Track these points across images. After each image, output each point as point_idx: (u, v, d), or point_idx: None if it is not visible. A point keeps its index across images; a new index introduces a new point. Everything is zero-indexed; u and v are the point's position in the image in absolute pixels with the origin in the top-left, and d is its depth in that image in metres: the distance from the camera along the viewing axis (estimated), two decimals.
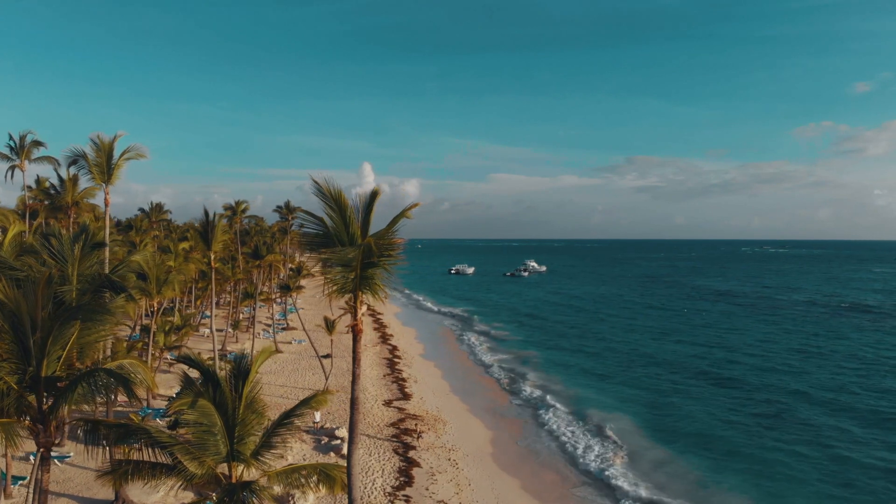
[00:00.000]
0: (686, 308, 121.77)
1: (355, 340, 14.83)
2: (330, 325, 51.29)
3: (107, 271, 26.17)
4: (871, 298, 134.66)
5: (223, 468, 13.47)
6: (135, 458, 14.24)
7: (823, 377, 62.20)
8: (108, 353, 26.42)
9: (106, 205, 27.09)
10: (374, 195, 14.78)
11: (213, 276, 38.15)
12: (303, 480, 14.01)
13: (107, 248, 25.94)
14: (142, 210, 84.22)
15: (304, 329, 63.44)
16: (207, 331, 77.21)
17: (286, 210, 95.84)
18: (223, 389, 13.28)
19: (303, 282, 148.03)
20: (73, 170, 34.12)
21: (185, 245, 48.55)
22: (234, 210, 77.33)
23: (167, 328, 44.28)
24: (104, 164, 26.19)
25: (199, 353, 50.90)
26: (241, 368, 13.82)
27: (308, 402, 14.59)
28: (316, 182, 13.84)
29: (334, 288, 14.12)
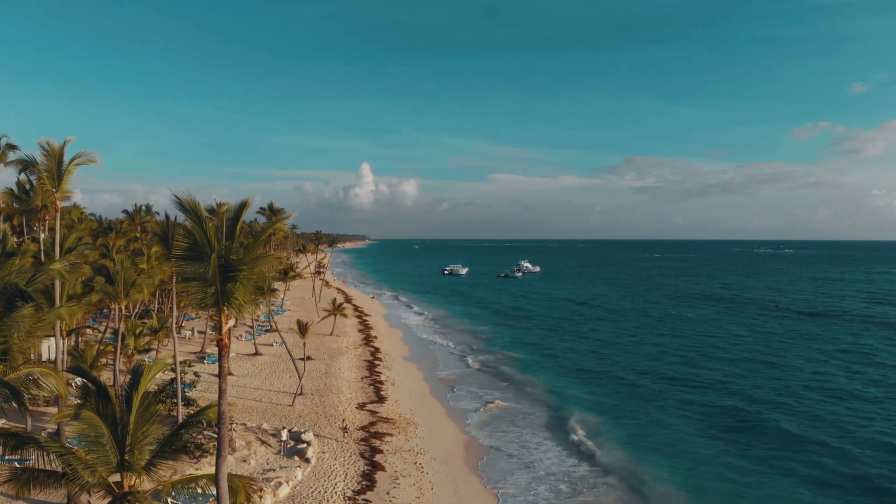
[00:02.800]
0: (673, 311, 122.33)
1: (221, 356, 14.79)
2: (302, 329, 51.23)
3: (56, 279, 26.21)
4: (844, 302, 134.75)
5: (117, 478, 13.52)
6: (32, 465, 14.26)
7: (769, 385, 61.24)
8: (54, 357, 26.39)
9: (56, 210, 27.07)
10: (241, 206, 14.73)
11: (174, 280, 38.13)
12: (200, 491, 14.04)
13: (56, 253, 26.00)
14: (125, 212, 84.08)
15: (278, 332, 63.37)
16: (189, 333, 77.20)
17: (269, 212, 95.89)
18: (112, 400, 13.33)
19: (293, 283, 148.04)
20: (23, 175, 34.10)
21: (157, 248, 48.55)
22: (214, 212, 77.05)
23: (138, 331, 44.23)
24: (54, 169, 26.16)
25: (174, 356, 50.39)
26: (134, 379, 13.87)
27: (203, 412, 14.59)
28: (176, 196, 13.84)
29: (194, 301, 14.10)
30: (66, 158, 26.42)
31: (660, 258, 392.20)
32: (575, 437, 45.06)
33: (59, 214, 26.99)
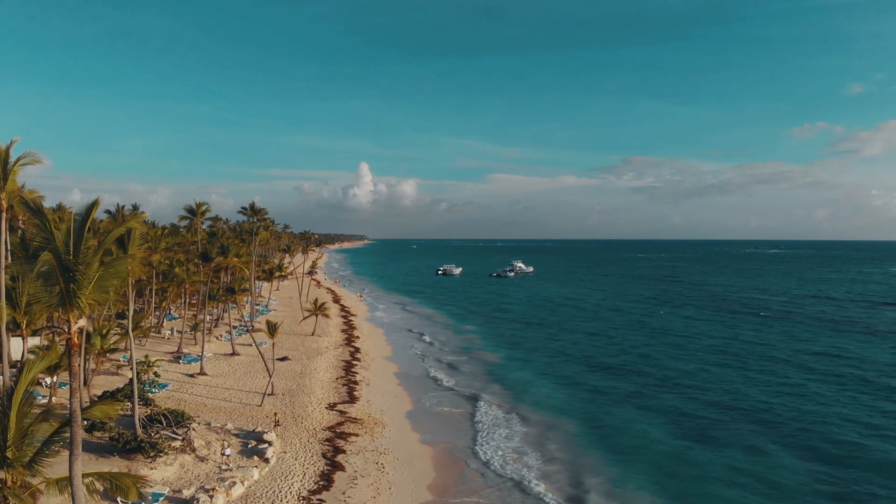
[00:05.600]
0: (663, 311, 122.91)
1: (70, 355, 14.92)
2: (271, 329, 51.27)
3: (2, 280, 26.26)
4: (812, 301, 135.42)
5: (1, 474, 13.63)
6: None
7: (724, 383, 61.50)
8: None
9: (1, 210, 27.13)
10: (91, 206, 14.81)
11: (131, 283, 38.25)
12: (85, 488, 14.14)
13: (3, 255, 26.09)
14: (108, 212, 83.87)
15: (251, 333, 63.28)
16: (169, 332, 77.22)
17: (251, 212, 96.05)
18: None
19: (283, 283, 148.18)
20: None
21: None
22: (194, 212, 77.20)
23: (104, 331, 44.29)
24: None
25: (146, 356, 50.40)
26: (17, 378, 13.96)
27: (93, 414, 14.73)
28: (22, 197, 13.98)
29: (41, 301, 14.19)
30: (13, 159, 26.54)
31: (643, 257, 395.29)
32: (543, 442, 45.09)
33: (3, 215, 27.04)
